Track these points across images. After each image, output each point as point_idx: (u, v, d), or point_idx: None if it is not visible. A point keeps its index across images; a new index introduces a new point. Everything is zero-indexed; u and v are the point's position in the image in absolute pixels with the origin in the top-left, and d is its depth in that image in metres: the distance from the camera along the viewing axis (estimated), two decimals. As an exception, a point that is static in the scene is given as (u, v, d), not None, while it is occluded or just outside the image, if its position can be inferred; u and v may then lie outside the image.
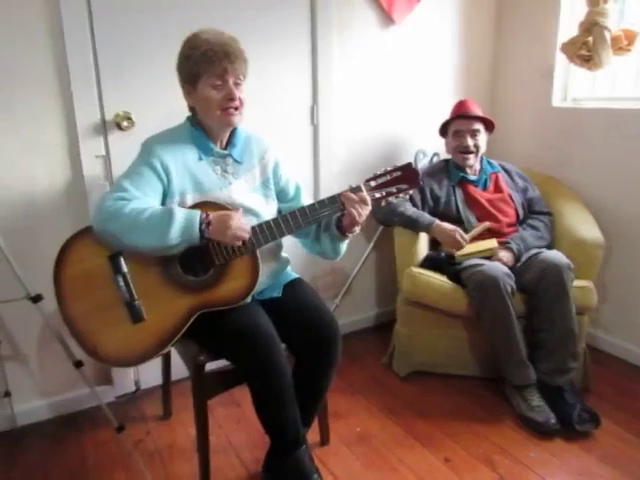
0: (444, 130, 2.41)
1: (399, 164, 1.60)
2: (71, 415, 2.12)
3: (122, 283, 1.48)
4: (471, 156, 2.30)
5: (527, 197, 2.38)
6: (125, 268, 1.49)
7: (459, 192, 2.32)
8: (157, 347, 1.49)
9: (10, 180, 1.87)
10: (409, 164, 1.59)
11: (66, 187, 1.97)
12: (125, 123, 1.97)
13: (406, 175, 1.58)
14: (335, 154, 2.49)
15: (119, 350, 1.49)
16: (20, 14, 1.77)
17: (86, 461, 1.88)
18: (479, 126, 2.31)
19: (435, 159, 2.63)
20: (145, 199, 1.47)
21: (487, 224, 2.21)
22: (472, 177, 2.34)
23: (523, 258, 2.17)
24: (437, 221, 2.21)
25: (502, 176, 2.39)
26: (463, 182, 2.34)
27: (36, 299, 1.73)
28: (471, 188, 2.33)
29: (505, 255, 2.15)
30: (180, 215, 1.42)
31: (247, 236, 1.48)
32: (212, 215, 1.45)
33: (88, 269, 1.50)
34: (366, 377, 2.36)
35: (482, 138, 2.32)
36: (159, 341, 1.49)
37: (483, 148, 2.34)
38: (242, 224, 1.46)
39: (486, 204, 2.29)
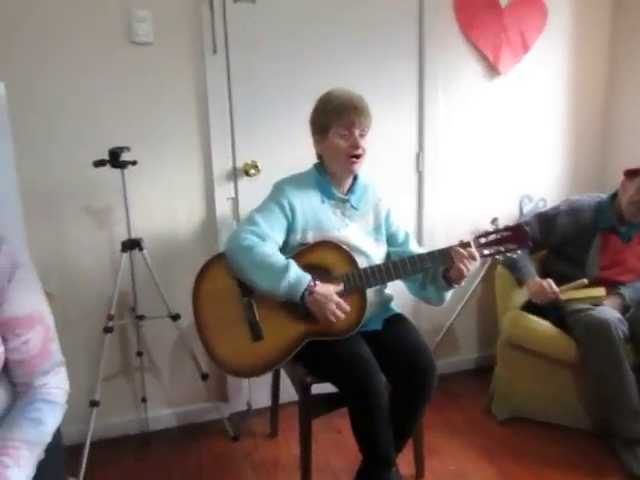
0: (632, 174, 2.21)
1: (511, 224, 1.69)
2: (192, 425, 2.38)
3: (248, 304, 1.71)
4: None
5: None
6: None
7: (599, 237, 2.23)
8: (269, 364, 1.70)
9: (159, 217, 2.22)
10: (520, 225, 1.68)
11: (201, 224, 2.28)
12: (252, 171, 2.26)
13: (516, 235, 1.66)
14: (439, 200, 2.59)
15: (236, 360, 1.70)
16: (173, 84, 2.14)
17: (202, 467, 2.11)
18: None
19: (541, 205, 2.64)
20: (273, 240, 1.69)
21: (585, 281, 2.12)
22: (622, 229, 2.24)
23: (633, 308, 2.10)
24: (536, 278, 2.19)
25: None
26: (608, 229, 2.25)
27: (175, 317, 2.04)
28: (613, 237, 2.24)
29: (612, 301, 2.10)
30: (293, 273, 1.61)
31: (341, 319, 1.62)
32: (318, 287, 1.61)
33: (219, 287, 1.74)
34: (464, 418, 2.39)
35: None
36: (271, 359, 1.69)
37: None
38: (337, 311, 1.61)
39: (621, 256, 2.22)
